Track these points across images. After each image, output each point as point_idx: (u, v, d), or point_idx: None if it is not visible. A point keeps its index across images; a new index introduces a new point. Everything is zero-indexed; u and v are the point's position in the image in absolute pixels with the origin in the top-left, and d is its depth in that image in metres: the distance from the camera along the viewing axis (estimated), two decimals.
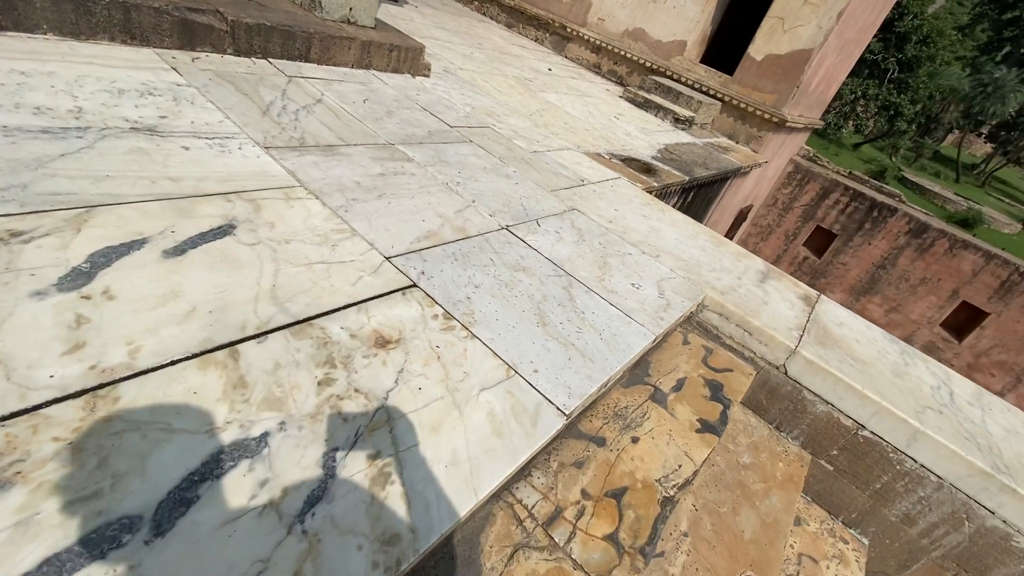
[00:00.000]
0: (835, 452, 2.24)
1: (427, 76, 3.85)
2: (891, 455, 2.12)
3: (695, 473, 1.61)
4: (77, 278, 1.15)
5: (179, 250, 1.33)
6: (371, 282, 1.50)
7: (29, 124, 1.56)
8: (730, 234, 8.78)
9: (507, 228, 2.16)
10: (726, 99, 6.74)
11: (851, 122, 26.68)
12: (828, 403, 2.18)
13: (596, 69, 7.81)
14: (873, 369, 2.26)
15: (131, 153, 1.63)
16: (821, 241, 9.88)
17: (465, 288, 1.65)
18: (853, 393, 2.10)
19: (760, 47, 6.46)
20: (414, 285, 1.56)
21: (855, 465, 2.21)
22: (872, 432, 2.13)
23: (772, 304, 2.46)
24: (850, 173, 10.01)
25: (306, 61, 3.10)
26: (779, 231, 10.13)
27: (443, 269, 1.69)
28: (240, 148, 1.91)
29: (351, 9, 3.44)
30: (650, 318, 1.92)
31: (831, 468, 2.26)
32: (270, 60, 2.90)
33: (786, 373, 2.22)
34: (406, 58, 3.66)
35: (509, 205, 2.38)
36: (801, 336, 2.26)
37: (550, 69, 6.43)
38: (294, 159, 1.99)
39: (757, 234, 10.30)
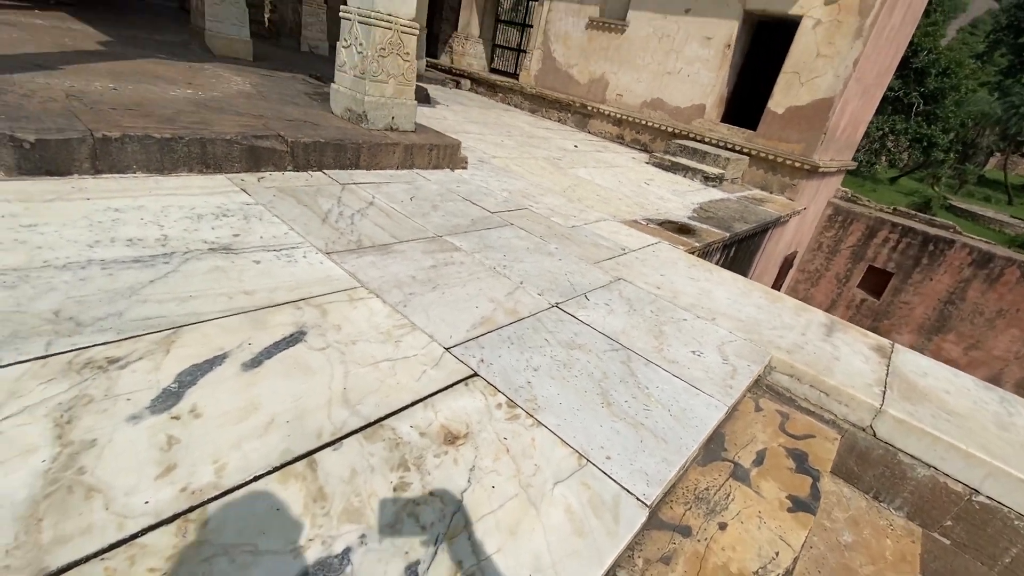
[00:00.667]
0: (949, 523, 1.99)
1: (465, 168, 4.10)
2: (1016, 522, 1.87)
3: (795, 560, 1.46)
4: (167, 399, 1.22)
5: (256, 361, 1.40)
6: (434, 375, 1.52)
7: (123, 256, 1.74)
8: (778, 282, 8.52)
9: (557, 306, 2.17)
10: (753, 153, 6.81)
11: (884, 158, 26.29)
12: (929, 466, 1.97)
13: (619, 140, 8.12)
14: (973, 423, 2.06)
15: (210, 272, 1.77)
16: (877, 281, 9.41)
17: (524, 372, 1.64)
18: (956, 453, 1.90)
19: (780, 101, 6.60)
20: (475, 374, 1.57)
21: (976, 537, 1.95)
22: (988, 497, 1.89)
23: (844, 359, 2.32)
24: (894, 209, 9.69)
25: (356, 168, 3.38)
26: (829, 275, 9.75)
27: (501, 355, 1.70)
28: (305, 256, 2.05)
29: (393, 118, 3.77)
30: (718, 387, 1.84)
31: (948, 542, 2.00)
32: (325, 171, 3.18)
33: (875, 435, 2.04)
34: (445, 154, 3.93)
35: (556, 282, 2.41)
36: (884, 392, 2.10)
37: (576, 146, 6.73)
38: (353, 261, 2.11)
39: (806, 280, 9.93)
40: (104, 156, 2.31)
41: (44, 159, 2.15)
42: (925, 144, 24.56)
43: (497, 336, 1.81)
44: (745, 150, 6.84)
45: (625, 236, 3.42)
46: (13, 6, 5.55)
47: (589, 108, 8.34)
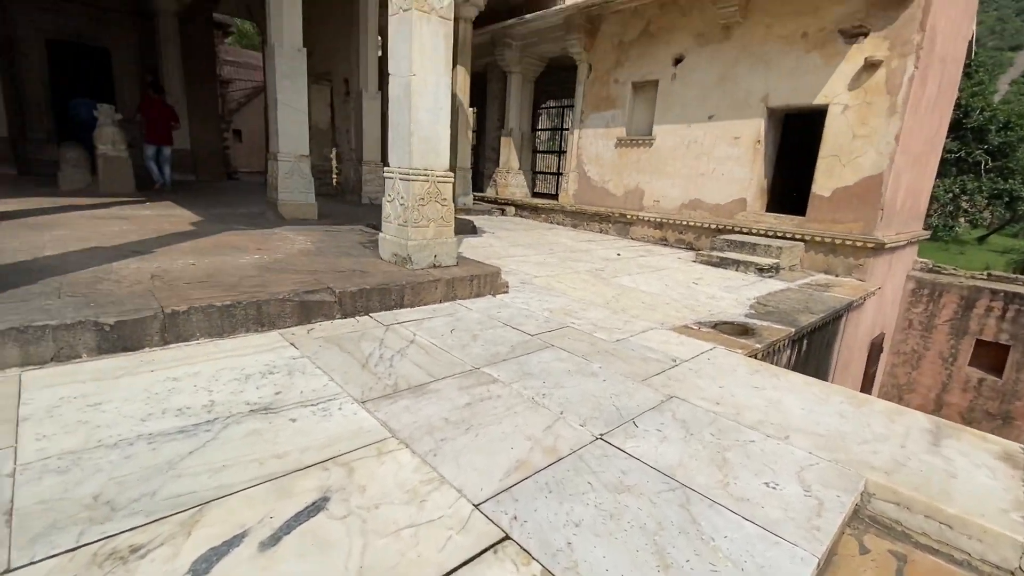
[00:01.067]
0: None
1: (506, 292, 4.18)
2: None
3: None
4: None
5: (274, 539, 1.34)
6: (460, 542, 1.37)
7: (170, 427, 1.82)
8: (870, 370, 7.63)
9: (601, 438, 2.00)
10: (807, 238, 6.56)
11: (962, 219, 24.69)
12: None
13: (663, 242, 8.14)
14: None
15: (247, 437, 1.80)
16: (992, 356, 8.21)
17: (563, 530, 1.46)
18: None
19: (824, 184, 6.47)
20: (507, 537, 1.41)
21: None
22: None
23: (963, 476, 1.92)
24: (989, 274, 8.73)
25: (401, 307, 3.53)
26: (930, 354, 8.65)
27: (536, 508, 1.54)
28: (340, 408, 2.06)
29: (435, 256, 4.00)
30: (803, 530, 1.54)
31: None
32: (371, 315, 3.33)
33: None
34: (486, 282, 4.06)
35: (600, 408, 2.25)
36: None
37: (619, 254, 6.79)
38: (387, 408, 2.09)
39: (904, 363, 8.85)
40: (171, 328, 2.55)
41: (121, 338, 2.40)
42: (1007, 199, 23.03)
43: (533, 484, 1.66)
44: (798, 236, 6.61)
45: (676, 345, 3.23)
46: (130, 202, 6.73)
47: (628, 216, 8.56)
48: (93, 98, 8.87)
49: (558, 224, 9.81)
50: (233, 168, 15.82)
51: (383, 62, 9.21)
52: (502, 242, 6.95)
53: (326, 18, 9.80)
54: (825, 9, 6.26)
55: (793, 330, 3.85)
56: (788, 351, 3.88)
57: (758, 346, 3.38)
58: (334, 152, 12.13)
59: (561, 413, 2.18)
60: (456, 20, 9.33)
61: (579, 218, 9.46)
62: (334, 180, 12.06)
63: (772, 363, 3.42)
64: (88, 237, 4.13)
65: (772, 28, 6.74)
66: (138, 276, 3.11)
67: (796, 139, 8.08)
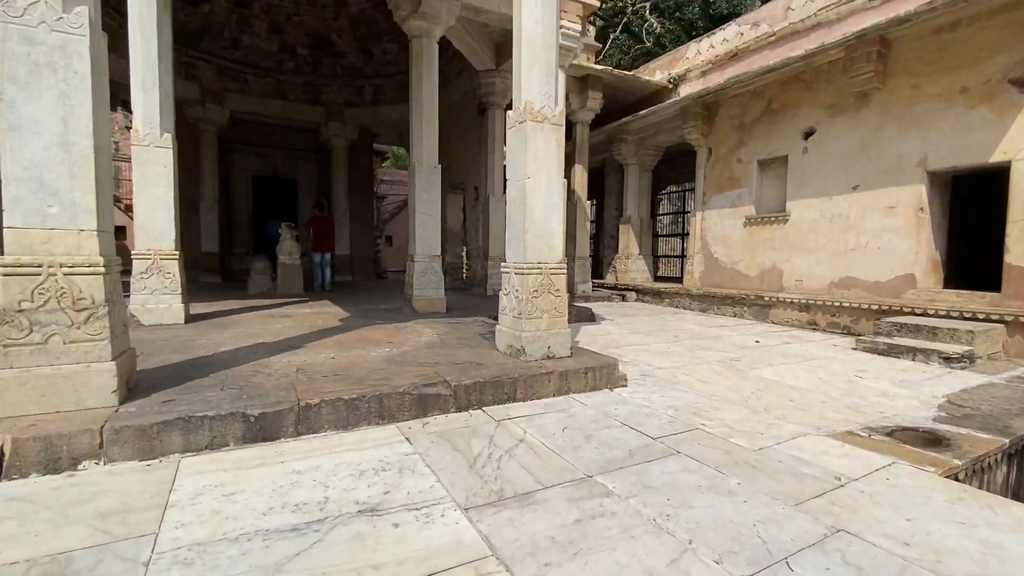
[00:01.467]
0: None
1: (625, 386, 3.91)
2: None
3: None
4: None
5: None
6: None
7: (285, 524, 1.88)
8: None
9: None
10: (1008, 319, 5.28)
11: None
12: None
13: (812, 326, 7.17)
14: None
15: (350, 541, 1.78)
16: None
17: None
18: None
19: (1021, 254, 5.28)
20: None
21: None
22: None
23: None
24: None
25: (513, 401, 3.46)
26: None
27: None
28: (442, 515, 1.97)
29: (549, 347, 3.94)
30: None
31: None
32: (484, 409, 3.31)
33: None
34: (601, 375, 3.85)
35: (740, 539, 1.86)
36: None
37: (757, 341, 6.09)
38: (490, 518, 1.96)
39: None
40: (304, 420, 2.76)
41: (263, 428, 2.65)
42: None
43: None
44: (994, 317, 5.36)
45: (838, 457, 2.65)
46: (297, 302, 7.86)
47: (766, 298, 7.77)
48: (281, 218, 10.94)
49: (683, 308, 9.25)
50: (383, 268, 18.04)
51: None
52: (621, 329, 6.69)
53: (463, 136, 11.15)
54: (985, 60, 5.50)
55: (1007, 441, 2.96)
56: (1003, 469, 2.96)
57: (958, 462, 2.63)
58: (464, 250, 13.20)
59: (689, 542, 1.84)
60: (574, 124, 10.02)
61: (707, 302, 8.84)
62: (464, 275, 13.01)
63: (981, 487, 2.62)
64: (258, 334, 4.84)
65: (921, 88, 6.06)
66: (286, 369, 3.49)
67: (966, 203, 6.88)
